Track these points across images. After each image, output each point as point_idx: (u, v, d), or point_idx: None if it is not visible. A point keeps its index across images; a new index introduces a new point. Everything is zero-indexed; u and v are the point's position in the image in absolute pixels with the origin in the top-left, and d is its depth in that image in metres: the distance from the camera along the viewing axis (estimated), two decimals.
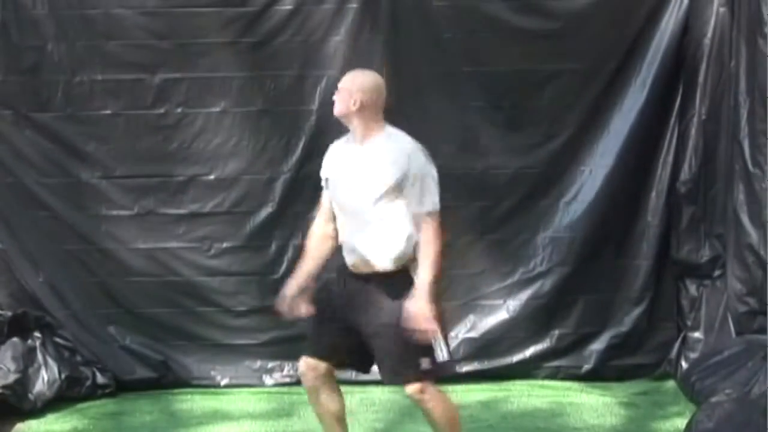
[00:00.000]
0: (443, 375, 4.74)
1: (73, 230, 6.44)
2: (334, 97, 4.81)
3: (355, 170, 4.77)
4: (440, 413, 4.76)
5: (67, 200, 6.42)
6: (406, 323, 4.56)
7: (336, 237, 4.85)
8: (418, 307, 4.57)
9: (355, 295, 4.76)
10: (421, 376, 4.68)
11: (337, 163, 4.88)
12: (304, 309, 4.85)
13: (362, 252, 4.72)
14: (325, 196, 4.90)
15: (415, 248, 4.70)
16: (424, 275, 4.62)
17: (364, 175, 4.73)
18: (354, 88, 4.75)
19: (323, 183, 4.92)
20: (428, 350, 4.65)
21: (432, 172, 4.78)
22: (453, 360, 4.83)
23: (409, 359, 4.67)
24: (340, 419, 4.89)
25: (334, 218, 4.86)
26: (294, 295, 4.87)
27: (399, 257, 4.69)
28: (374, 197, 4.69)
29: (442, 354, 4.67)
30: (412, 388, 4.71)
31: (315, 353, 4.81)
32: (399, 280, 4.68)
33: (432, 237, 4.67)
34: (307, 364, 4.82)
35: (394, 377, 4.78)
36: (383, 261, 4.69)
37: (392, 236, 4.70)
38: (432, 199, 4.73)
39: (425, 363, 4.66)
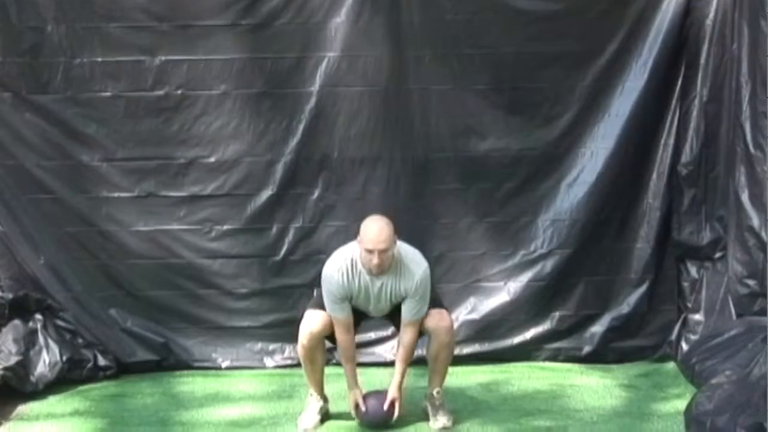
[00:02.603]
0: None
1: (74, 213, 6.43)
2: (377, 262, 5.25)
3: (377, 298, 5.43)
4: (453, 341, 5.54)
5: (67, 183, 6.41)
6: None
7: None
8: (396, 393, 5.48)
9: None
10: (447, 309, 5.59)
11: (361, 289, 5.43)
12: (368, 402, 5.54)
13: None
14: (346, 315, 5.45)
15: None
16: (400, 377, 5.49)
17: (385, 297, 5.41)
18: (392, 244, 5.26)
19: (339, 308, 5.42)
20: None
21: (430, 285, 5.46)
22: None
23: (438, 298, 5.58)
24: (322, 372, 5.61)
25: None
26: (358, 400, 5.52)
27: None
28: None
29: None
30: (447, 317, 5.49)
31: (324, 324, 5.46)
32: None
33: (415, 341, 5.47)
34: (317, 316, 5.45)
35: (440, 305, 5.54)
36: None
37: None
38: (425, 308, 5.41)
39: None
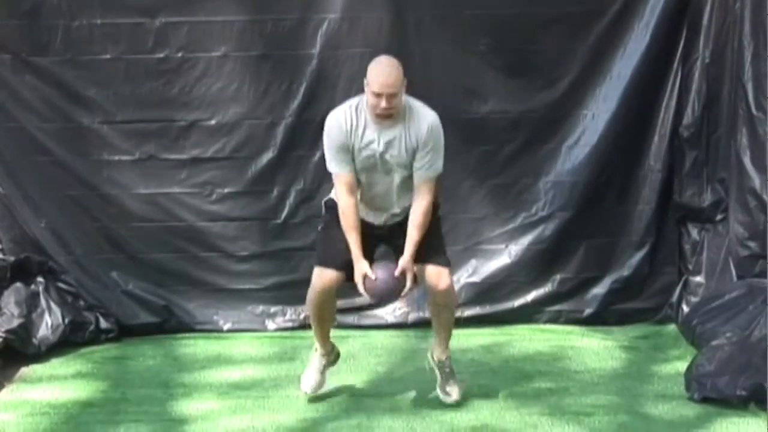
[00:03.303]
0: None
1: (75, 175, 6.43)
2: (385, 106, 4.88)
3: (384, 154, 5.00)
4: (453, 302, 5.29)
5: (68, 145, 6.40)
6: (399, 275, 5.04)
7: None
8: (408, 263, 5.06)
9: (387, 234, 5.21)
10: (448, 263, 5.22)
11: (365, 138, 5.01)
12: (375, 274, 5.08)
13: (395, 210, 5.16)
14: (348, 170, 5.05)
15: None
16: (413, 247, 5.06)
17: (395, 151, 4.99)
18: (401, 85, 4.90)
19: (342, 160, 5.03)
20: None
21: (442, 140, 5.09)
22: None
23: (441, 249, 5.21)
24: (329, 327, 5.42)
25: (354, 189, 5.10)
26: (366, 270, 5.07)
27: None
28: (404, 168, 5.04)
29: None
30: (446, 279, 5.14)
31: (337, 267, 5.12)
32: None
33: (430, 204, 5.07)
34: (331, 274, 5.13)
35: (438, 262, 5.15)
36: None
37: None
38: (440, 162, 5.07)
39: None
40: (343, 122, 4.97)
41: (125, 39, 6.31)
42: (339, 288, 5.24)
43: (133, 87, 6.37)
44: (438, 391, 5.34)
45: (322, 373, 5.41)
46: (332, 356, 5.47)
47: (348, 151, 5.00)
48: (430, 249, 5.11)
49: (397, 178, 5.08)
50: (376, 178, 5.10)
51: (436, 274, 5.12)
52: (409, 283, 5.07)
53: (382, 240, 5.25)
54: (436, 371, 5.36)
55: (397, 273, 5.03)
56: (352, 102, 5.04)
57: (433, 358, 5.39)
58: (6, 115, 6.32)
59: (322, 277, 5.16)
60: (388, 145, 4.98)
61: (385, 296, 5.17)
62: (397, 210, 5.17)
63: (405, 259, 5.05)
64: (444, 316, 5.29)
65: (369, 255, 5.13)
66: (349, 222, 5.05)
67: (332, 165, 5.06)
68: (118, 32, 6.30)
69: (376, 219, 5.20)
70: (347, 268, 5.12)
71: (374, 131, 4.98)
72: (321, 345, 5.41)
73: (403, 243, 5.07)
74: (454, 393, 5.29)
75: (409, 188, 5.09)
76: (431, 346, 5.43)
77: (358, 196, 5.12)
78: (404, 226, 5.10)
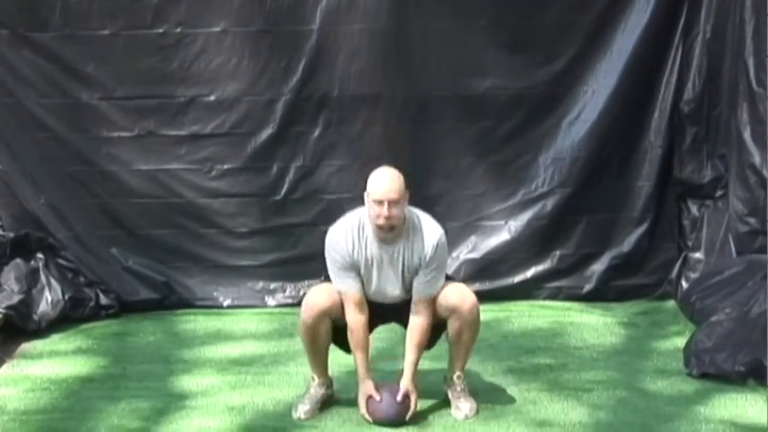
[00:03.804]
0: None
1: (74, 152, 6.42)
2: (386, 215, 4.59)
3: (391, 268, 4.74)
4: (479, 321, 4.87)
5: (67, 121, 6.39)
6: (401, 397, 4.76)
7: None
8: (409, 385, 4.78)
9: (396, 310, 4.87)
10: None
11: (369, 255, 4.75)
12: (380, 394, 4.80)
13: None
14: (356, 289, 4.76)
15: None
16: (413, 367, 4.79)
17: (395, 276, 4.75)
18: (404, 195, 4.65)
19: (348, 279, 4.74)
20: None
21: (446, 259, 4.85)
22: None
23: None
24: (326, 355, 4.96)
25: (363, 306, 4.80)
26: (371, 391, 4.81)
27: None
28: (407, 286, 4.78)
29: None
30: (472, 295, 4.81)
31: (331, 300, 4.79)
32: None
33: (429, 324, 4.78)
34: (321, 303, 4.78)
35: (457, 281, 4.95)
36: None
37: None
38: (440, 283, 4.77)
39: None
40: (348, 245, 4.72)
41: (124, 14, 6.29)
42: (333, 314, 4.80)
43: (132, 63, 6.35)
44: (452, 409, 4.91)
45: (319, 403, 4.92)
46: (330, 390, 4.99)
47: (353, 269, 4.73)
48: (441, 280, 4.81)
49: (395, 289, 4.82)
50: (381, 282, 4.79)
51: (458, 290, 4.78)
52: (412, 407, 4.77)
53: (390, 315, 4.92)
54: (448, 391, 4.95)
55: (399, 398, 4.75)
56: (353, 219, 4.75)
57: (446, 376, 4.98)
58: (4, 91, 6.31)
59: (319, 291, 4.80)
60: (390, 261, 4.72)
61: (387, 418, 4.77)
62: (405, 297, 4.83)
63: (406, 381, 4.78)
64: (467, 335, 4.82)
65: (372, 323, 4.87)
66: (357, 340, 4.77)
67: (339, 285, 4.75)
68: (116, 7, 6.28)
69: (385, 300, 4.87)
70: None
71: (377, 250, 4.71)
72: (318, 375, 4.94)
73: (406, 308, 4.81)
74: (465, 408, 4.87)
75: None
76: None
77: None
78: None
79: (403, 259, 4.72)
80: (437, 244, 4.70)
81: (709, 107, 6.37)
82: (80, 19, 6.27)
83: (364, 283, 4.77)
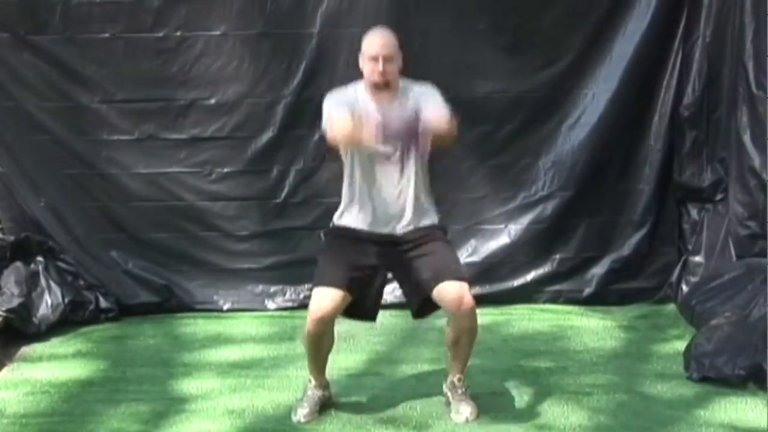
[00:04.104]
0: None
1: (74, 155, 6.42)
2: (380, 70, 4.59)
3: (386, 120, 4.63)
4: (476, 323, 4.75)
5: (67, 124, 6.39)
6: (426, 125, 4.50)
7: None
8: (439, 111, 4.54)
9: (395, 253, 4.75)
10: (468, 276, 4.79)
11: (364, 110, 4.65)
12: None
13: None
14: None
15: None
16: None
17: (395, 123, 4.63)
18: (397, 52, 4.66)
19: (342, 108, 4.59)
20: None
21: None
22: None
23: (457, 260, 4.83)
24: (326, 358, 4.92)
25: None
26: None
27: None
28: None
29: None
30: (466, 291, 4.67)
31: (346, 288, 4.70)
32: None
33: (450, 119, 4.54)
34: (335, 295, 4.69)
35: (457, 276, 4.69)
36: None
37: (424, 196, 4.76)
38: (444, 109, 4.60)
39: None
40: (344, 91, 4.74)
41: (124, 17, 6.29)
42: (337, 314, 4.76)
43: (132, 66, 6.35)
44: (452, 412, 4.88)
45: (318, 405, 4.90)
46: (328, 392, 4.97)
47: (350, 106, 4.61)
48: (444, 264, 4.69)
49: (399, 168, 4.69)
50: (377, 171, 4.70)
51: (456, 294, 4.63)
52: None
53: (387, 264, 4.78)
54: (449, 394, 4.93)
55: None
56: (349, 87, 4.77)
57: (446, 379, 4.96)
58: (5, 94, 6.31)
59: (320, 299, 4.68)
60: (387, 118, 4.62)
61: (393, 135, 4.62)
62: (408, 215, 4.73)
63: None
64: (465, 339, 4.77)
65: (371, 283, 4.77)
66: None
67: (334, 111, 4.57)
68: (117, 11, 6.28)
69: (383, 227, 4.74)
70: (352, 286, 4.70)
71: (374, 107, 4.66)
72: (316, 377, 4.91)
73: (410, 274, 4.70)
74: (465, 412, 4.82)
75: (417, 184, 4.71)
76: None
77: (358, 206, 4.74)
78: (417, 245, 4.70)
79: (400, 111, 4.64)
80: (428, 87, 4.70)
81: (708, 111, 6.38)
82: (81, 22, 6.27)
83: (356, 173, 4.68)
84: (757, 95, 5.90)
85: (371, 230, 4.76)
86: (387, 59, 4.63)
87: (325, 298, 4.70)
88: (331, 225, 4.88)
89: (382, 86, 4.66)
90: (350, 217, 4.80)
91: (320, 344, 4.80)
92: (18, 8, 6.24)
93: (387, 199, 4.74)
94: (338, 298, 4.70)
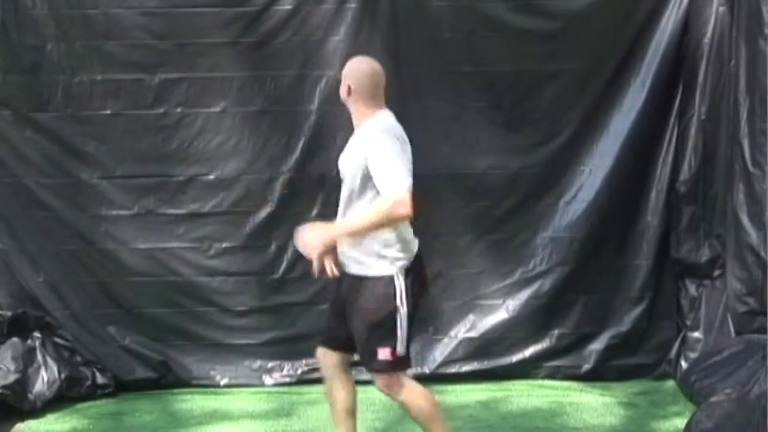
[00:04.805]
0: (399, 370, 4.73)
1: (73, 230, 6.43)
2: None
3: (345, 160, 4.83)
4: (416, 407, 4.74)
5: (67, 200, 6.41)
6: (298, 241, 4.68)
7: None
8: (316, 231, 4.71)
9: (348, 289, 4.80)
10: (382, 367, 4.67)
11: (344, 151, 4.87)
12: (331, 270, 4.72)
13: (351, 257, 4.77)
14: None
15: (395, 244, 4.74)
16: (345, 221, 4.69)
17: (347, 166, 4.76)
18: (346, 74, 4.84)
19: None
20: (388, 340, 4.63)
21: (390, 148, 4.64)
22: (407, 357, 4.74)
23: (369, 346, 4.68)
24: (350, 413, 4.95)
25: None
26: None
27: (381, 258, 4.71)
28: (356, 189, 4.70)
29: (400, 347, 4.64)
30: (379, 380, 4.70)
31: (323, 343, 4.95)
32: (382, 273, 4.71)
33: (380, 205, 4.57)
34: (319, 352, 4.97)
35: (366, 365, 4.74)
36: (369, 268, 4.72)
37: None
38: (395, 182, 4.57)
39: (383, 353, 4.63)
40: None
41: (125, 95, 6.35)
42: (342, 368, 4.92)
43: (132, 142, 6.40)
44: None
45: None
46: None
47: None
48: (360, 350, 4.75)
49: (345, 189, 4.78)
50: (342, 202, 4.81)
51: (377, 384, 4.76)
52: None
53: (342, 302, 4.85)
54: None
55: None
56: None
57: None
58: (6, 170, 6.34)
59: (317, 353, 5.02)
60: (349, 154, 4.80)
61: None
62: (346, 254, 4.76)
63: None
64: (410, 416, 4.85)
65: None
66: None
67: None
68: (118, 88, 6.34)
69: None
70: (335, 343, 4.88)
71: (352, 140, 4.90)
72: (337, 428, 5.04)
73: (347, 312, 4.75)
74: None
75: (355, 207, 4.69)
76: None
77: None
78: (353, 286, 4.75)
79: (353, 144, 4.78)
80: (374, 130, 4.69)
81: (705, 187, 6.41)
82: (82, 100, 6.32)
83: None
84: (754, 173, 5.94)
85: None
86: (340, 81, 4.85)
87: (320, 354, 4.97)
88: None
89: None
90: None
91: (331, 393, 4.94)
92: (20, 86, 6.29)
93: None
94: (323, 354, 4.95)
